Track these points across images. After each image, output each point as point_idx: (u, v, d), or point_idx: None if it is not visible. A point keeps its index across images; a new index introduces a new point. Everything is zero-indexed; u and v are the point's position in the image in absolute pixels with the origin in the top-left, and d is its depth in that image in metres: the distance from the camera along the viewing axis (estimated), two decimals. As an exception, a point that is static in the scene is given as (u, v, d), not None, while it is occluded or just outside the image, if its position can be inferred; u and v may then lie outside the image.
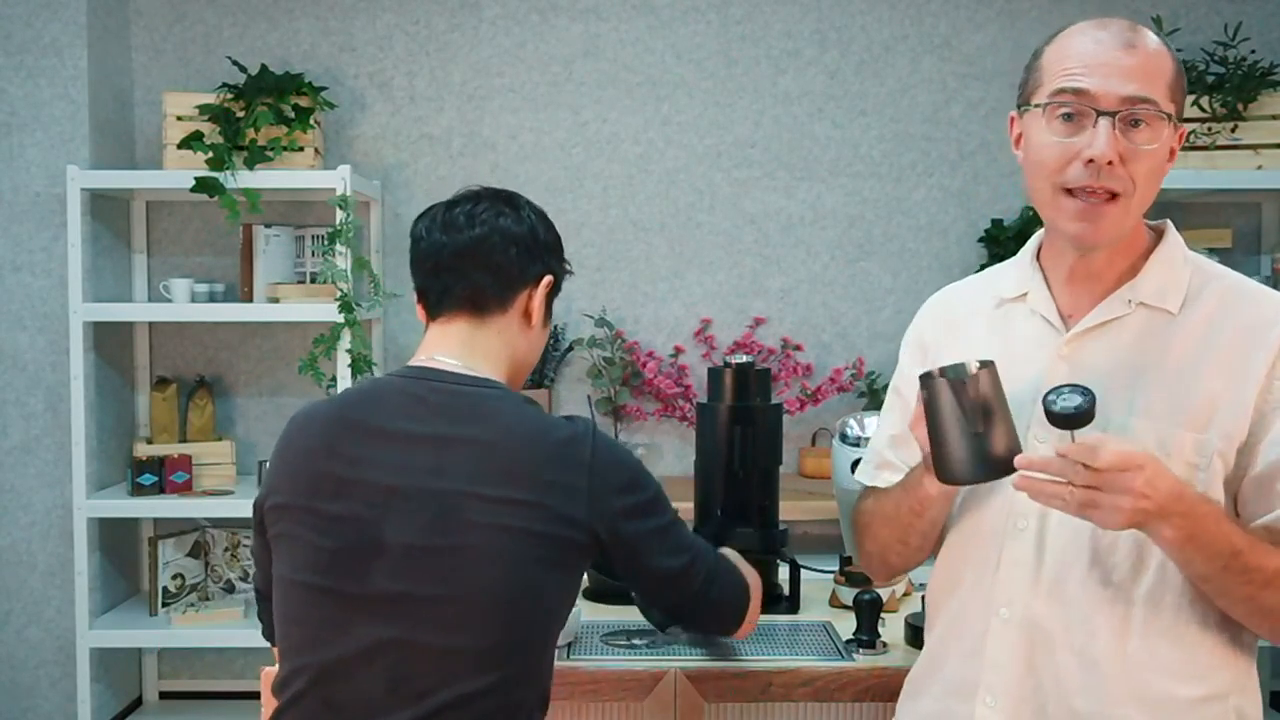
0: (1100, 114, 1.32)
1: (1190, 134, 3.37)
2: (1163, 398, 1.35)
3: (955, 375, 1.32)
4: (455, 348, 1.57)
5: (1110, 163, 1.31)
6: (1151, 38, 1.37)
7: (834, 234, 3.79)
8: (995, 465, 1.31)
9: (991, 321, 1.52)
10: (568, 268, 1.70)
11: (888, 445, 1.63)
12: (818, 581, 2.23)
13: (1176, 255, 1.43)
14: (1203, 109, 3.37)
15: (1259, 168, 3.36)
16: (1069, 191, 1.35)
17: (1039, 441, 1.38)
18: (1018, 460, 1.28)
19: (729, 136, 3.78)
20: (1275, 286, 3.40)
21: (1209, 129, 3.37)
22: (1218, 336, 1.36)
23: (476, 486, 1.44)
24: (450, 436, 1.47)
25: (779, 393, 3.68)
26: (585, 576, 2.30)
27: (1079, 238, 1.37)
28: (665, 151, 3.78)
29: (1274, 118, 3.38)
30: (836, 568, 2.26)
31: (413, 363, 1.57)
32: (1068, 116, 1.34)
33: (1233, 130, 3.38)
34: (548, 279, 1.62)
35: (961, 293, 1.64)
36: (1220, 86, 3.38)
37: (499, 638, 1.43)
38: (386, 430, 1.48)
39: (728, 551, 1.72)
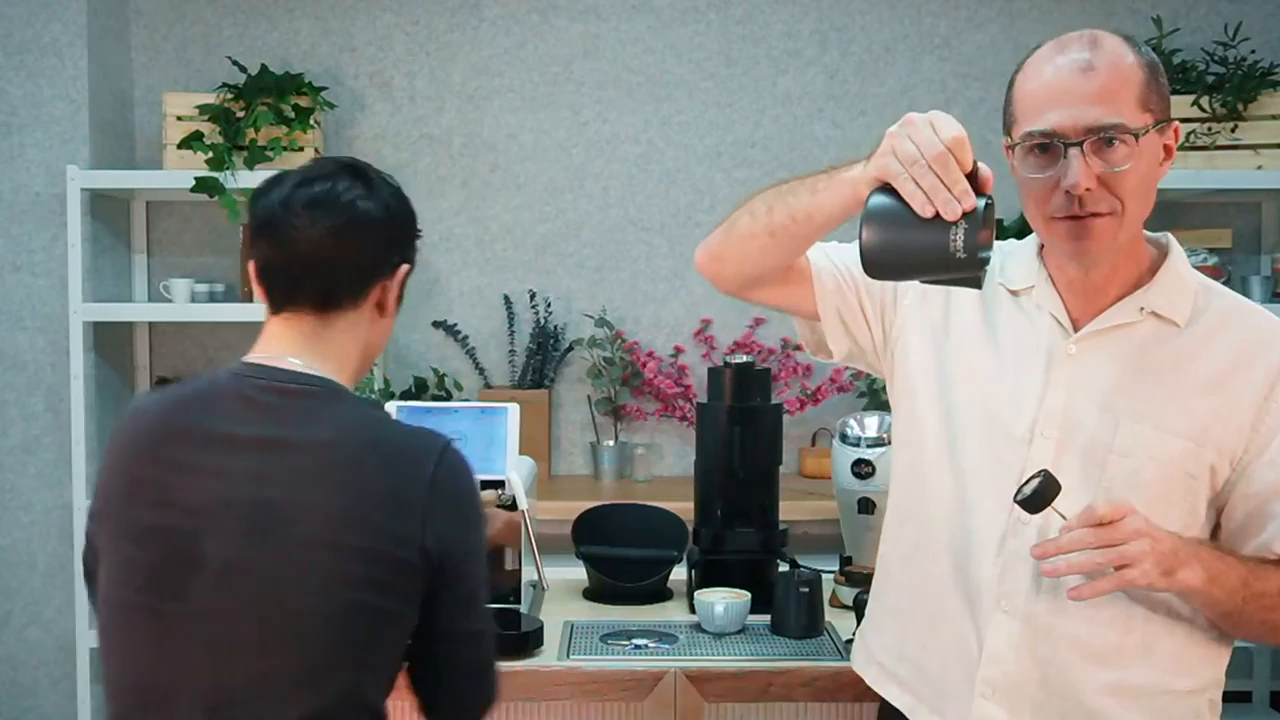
0: (1068, 145, 1.34)
1: (1190, 134, 3.37)
2: (1166, 407, 1.38)
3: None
4: (299, 346, 1.43)
5: (1089, 189, 1.33)
6: (1112, 49, 1.35)
7: (834, 234, 3.78)
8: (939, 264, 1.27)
9: (992, 304, 1.51)
10: (417, 244, 1.55)
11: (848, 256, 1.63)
12: (818, 581, 2.22)
13: (1184, 270, 1.46)
14: (1203, 109, 3.36)
15: (1259, 168, 3.36)
16: (1058, 218, 1.38)
17: (1023, 524, 1.39)
18: (1034, 551, 1.33)
19: (729, 136, 3.77)
20: (1275, 287, 3.41)
21: (1209, 129, 3.37)
22: (1219, 354, 1.40)
23: (301, 495, 1.32)
24: (278, 440, 1.34)
25: (779, 393, 3.67)
26: (586, 575, 2.30)
27: (1075, 255, 1.40)
28: (665, 151, 3.78)
29: (1274, 118, 3.37)
30: (836, 568, 2.26)
31: (248, 359, 1.43)
32: (1042, 148, 1.37)
33: (1233, 130, 3.37)
34: (404, 268, 1.48)
35: None
36: (1220, 86, 3.37)
37: (321, 660, 1.32)
38: (212, 434, 1.35)
39: None
